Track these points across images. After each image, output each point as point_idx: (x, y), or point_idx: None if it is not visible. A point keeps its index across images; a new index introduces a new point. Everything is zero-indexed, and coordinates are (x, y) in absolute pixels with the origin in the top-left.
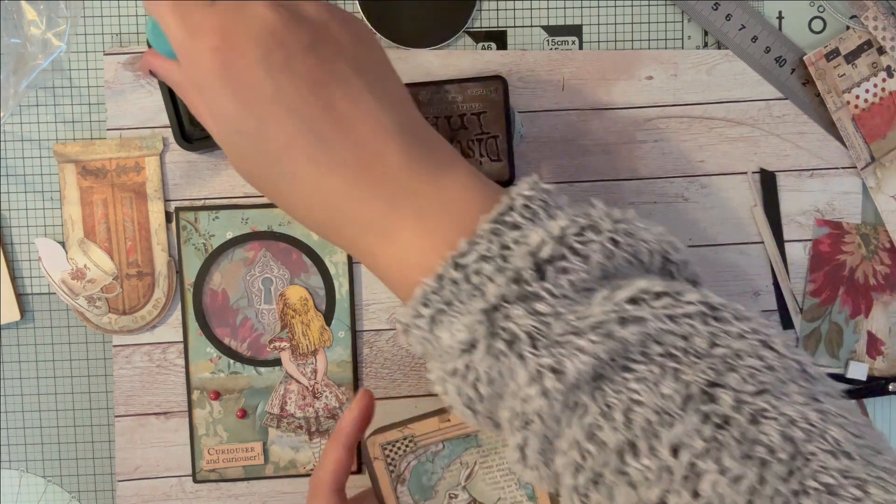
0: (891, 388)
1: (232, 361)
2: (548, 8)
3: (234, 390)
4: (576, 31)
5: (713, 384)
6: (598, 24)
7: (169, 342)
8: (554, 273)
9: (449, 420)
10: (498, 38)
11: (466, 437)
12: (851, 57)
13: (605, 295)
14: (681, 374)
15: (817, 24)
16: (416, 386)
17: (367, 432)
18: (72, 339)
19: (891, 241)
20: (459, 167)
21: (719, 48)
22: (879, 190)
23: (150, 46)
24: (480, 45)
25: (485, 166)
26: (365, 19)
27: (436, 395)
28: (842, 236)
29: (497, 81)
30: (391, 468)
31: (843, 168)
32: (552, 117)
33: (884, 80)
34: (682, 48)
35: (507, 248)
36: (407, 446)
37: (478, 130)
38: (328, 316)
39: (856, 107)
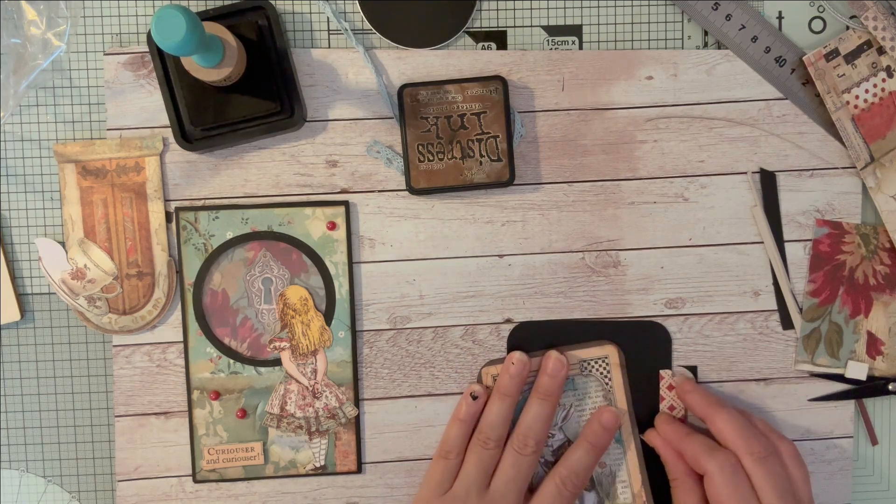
0: (891, 388)
1: (232, 361)
2: (548, 8)
3: (234, 390)
4: (576, 31)
5: None
6: (598, 24)
7: (169, 342)
8: None
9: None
10: (498, 38)
11: (565, 380)
12: (851, 57)
13: None
14: None
15: (817, 24)
16: (415, 386)
17: (483, 364)
18: (72, 339)
19: (891, 241)
20: None
21: (719, 48)
22: (879, 190)
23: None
24: (480, 45)
25: (485, 166)
26: (365, 19)
27: (435, 395)
28: (842, 236)
29: (497, 81)
30: None
31: (842, 168)
32: (552, 117)
33: (883, 80)
34: (682, 48)
35: None
36: None
37: (478, 130)
38: (328, 316)
39: (855, 107)
